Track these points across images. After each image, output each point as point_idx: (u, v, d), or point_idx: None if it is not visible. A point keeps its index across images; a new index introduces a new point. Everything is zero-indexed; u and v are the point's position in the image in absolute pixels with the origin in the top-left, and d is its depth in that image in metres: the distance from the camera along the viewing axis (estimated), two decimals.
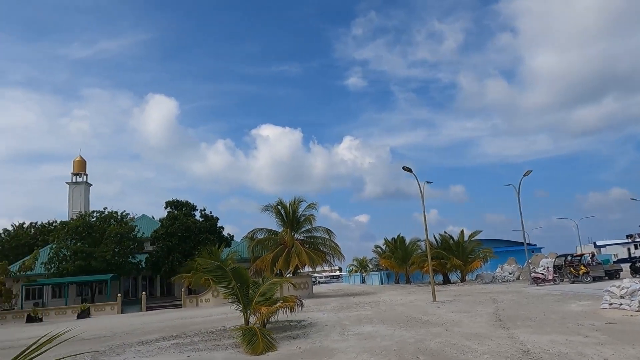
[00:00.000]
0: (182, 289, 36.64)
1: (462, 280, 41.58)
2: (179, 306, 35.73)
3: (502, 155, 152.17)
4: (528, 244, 51.51)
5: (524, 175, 29.70)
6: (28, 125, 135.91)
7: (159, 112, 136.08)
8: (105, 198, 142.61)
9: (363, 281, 72.13)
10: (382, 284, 57.79)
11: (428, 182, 25.26)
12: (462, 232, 42.84)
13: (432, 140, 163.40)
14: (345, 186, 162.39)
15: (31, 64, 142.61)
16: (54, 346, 3.43)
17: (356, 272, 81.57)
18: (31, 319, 30.98)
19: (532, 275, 29.30)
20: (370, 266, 74.50)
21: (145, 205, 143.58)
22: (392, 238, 54.34)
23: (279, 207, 36.84)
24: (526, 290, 25.75)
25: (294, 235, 36.51)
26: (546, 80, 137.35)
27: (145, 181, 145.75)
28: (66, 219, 58.70)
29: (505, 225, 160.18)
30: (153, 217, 55.54)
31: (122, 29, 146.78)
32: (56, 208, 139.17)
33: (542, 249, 54.79)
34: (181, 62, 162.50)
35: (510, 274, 38.32)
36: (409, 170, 22.66)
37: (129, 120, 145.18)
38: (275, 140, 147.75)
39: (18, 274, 36.08)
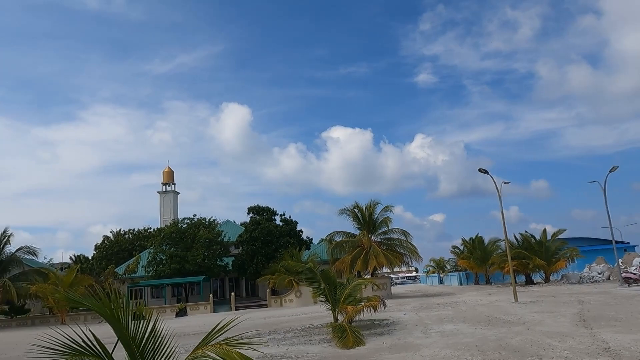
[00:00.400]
0: (267, 290, 38.83)
1: (546, 280, 40.31)
2: (265, 306, 37.90)
3: (589, 147, 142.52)
4: (620, 242, 48.66)
5: (610, 172, 28.57)
6: (117, 139, 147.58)
7: (233, 119, 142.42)
8: (187, 204, 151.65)
9: (441, 282, 71.37)
10: (461, 284, 57.06)
11: (505, 182, 25.22)
12: (544, 230, 41.57)
13: (510, 134, 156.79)
14: (419, 185, 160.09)
15: (118, 82, 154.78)
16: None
17: (433, 272, 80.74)
18: (137, 317, 34.44)
19: (622, 275, 28.10)
20: (448, 267, 73.52)
21: (224, 209, 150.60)
22: (470, 238, 53.63)
23: (356, 210, 37.97)
24: (616, 290, 24.88)
25: (371, 237, 37.46)
26: (636, 63, 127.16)
27: (223, 186, 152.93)
28: (158, 225, 63.87)
29: (595, 222, 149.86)
30: (234, 222, 59.02)
31: (197, 43, 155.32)
32: (145, 214, 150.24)
33: (636, 247, 51.41)
34: (252, 70, 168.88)
35: (599, 274, 36.67)
36: (485, 172, 22.86)
37: (206, 129, 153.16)
38: (345, 142, 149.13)
39: (124, 276, 40.19)
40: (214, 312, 37.02)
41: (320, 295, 15.77)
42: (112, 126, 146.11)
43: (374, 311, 16.13)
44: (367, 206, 38.02)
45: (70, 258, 62.87)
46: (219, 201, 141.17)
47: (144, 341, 4.37)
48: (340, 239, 39.10)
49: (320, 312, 23.08)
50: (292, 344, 13.74)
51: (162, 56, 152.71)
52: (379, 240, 38.11)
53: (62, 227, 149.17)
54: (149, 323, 4.50)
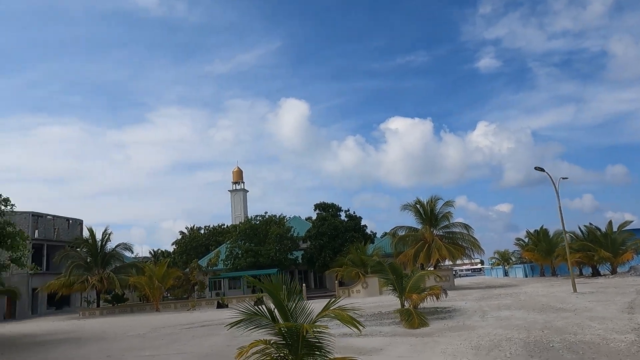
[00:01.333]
0: (335, 281, 41.61)
1: (613, 272, 40.19)
2: (333, 296, 40.69)
3: None
4: None
5: None
6: (183, 138, 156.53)
7: (292, 115, 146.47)
8: (251, 200, 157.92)
9: (506, 274, 71.23)
10: (526, 276, 57.14)
11: (563, 179, 26.23)
12: (609, 222, 41.35)
13: (581, 117, 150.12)
14: (483, 175, 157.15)
15: (182, 84, 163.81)
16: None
17: (498, 265, 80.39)
18: (220, 306, 38.36)
19: None
20: (513, 259, 73.13)
21: (286, 204, 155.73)
22: (535, 230, 53.69)
23: (417, 205, 39.76)
24: None
25: (432, 231, 39.16)
26: None
27: (283, 182, 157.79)
28: (228, 220, 68.69)
29: None
30: (300, 217, 62.50)
31: (255, 42, 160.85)
32: (211, 209, 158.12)
33: None
34: (310, 65, 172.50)
35: None
36: (541, 170, 24.10)
37: (266, 126, 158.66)
38: (404, 133, 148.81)
39: (207, 268, 44.53)
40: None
41: (388, 285, 18.13)
42: (178, 126, 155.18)
43: (437, 299, 18.26)
44: (428, 201, 39.68)
45: (150, 253, 69.11)
46: (281, 196, 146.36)
47: (292, 309, 6.92)
48: (403, 233, 41.04)
49: (387, 302, 25.40)
50: (366, 326, 16.22)
51: (222, 57, 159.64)
52: (441, 234, 39.70)
53: (136, 223, 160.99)
54: (293, 300, 7.00)
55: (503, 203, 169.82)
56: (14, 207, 20.87)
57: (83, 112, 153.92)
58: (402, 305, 17.28)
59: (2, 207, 19.96)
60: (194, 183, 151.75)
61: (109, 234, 41.37)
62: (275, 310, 6.93)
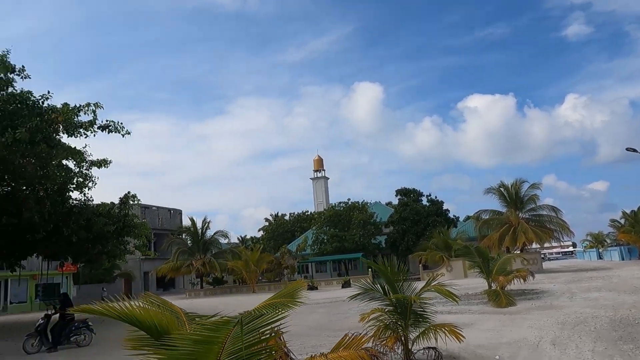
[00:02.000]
0: (419, 265, 42.65)
1: None
2: (418, 279, 41.74)
3: None
4: None
5: None
6: (261, 128, 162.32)
7: (365, 99, 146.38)
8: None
9: (600, 257, 67.77)
10: (622, 259, 54.31)
11: None
12: None
13: None
14: (573, 151, 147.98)
15: (258, 74, 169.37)
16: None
17: (592, 247, 76.47)
18: (310, 288, 40.98)
19: None
20: (608, 241, 69.34)
21: (363, 189, 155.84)
22: (632, 210, 50.91)
23: (501, 189, 39.53)
24: None
25: (518, 214, 38.82)
26: None
27: (359, 167, 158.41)
28: (309, 206, 71.47)
29: None
30: (380, 202, 63.85)
31: (327, 27, 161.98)
32: (290, 196, 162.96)
33: None
34: (382, 47, 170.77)
35: None
36: (634, 150, 23.50)
37: (340, 111, 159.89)
38: (484, 110, 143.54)
39: (297, 253, 47.47)
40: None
41: (474, 268, 19.13)
42: (255, 116, 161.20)
43: (524, 281, 18.96)
44: (512, 184, 39.29)
45: (238, 239, 73.83)
46: (358, 181, 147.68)
47: (400, 285, 8.49)
48: (487, 216, 41.00)
49: (473, 284, 26.15)
50: (455, 305, 17.43)
51: (295, 44, 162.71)
52: (527, 217, 39.21)
53: (220, 211, 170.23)
54: (399, 280, 8.55)
55: (597, 181, 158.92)
56: (139, 201, 24.31)
57: (169, 107, 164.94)
58: (489, 286, 18.23)
59: (131, 202, 23.34)
60: (272, 171, 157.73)
61: (208, 223, 45.47)
62: (386, 286, 8.52)
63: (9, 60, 15.11)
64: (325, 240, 48.57)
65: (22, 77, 16.03)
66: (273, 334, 3.71)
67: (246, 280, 42.94)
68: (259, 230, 73.14)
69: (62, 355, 12.55)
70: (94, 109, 15.29)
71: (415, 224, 46.22)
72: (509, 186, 39.41)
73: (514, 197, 38.90)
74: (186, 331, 3.55)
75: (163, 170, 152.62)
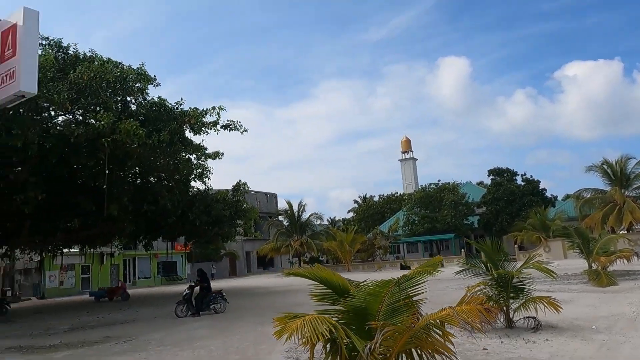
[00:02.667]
0: (515, 246, 42.11)
1: None
2: (514, 260, 41.29)
3: None
4: None
5: None
6: (344, 110, 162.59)
7: (451, 74, 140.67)
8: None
9: None
10: None
11: None
12: None
13: None
14: None
15: (340, 55, 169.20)
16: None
17: None
18: (403, 267, 42.25)
19: None
20: None
21: (450, 167, 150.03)
22: None
23: (605, 166, 37.65)
24: None
25: (624, 192, 36.86)
26: None
27: (446, 144, 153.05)
28: (396, 187, 71.88)
29: None
30: (471, 182, 62.87)
31: (408, 2, 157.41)
32: (375, 177, 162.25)
33: None
34: (470, 18, 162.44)
35: None
36: None
37: (424, 89, 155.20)
38: (585, 78, 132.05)
39: (389, 234, 48.86)
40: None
41: (574, 249, 19.27)
42: (339, 98, 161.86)
43: (628, 262, 18.80)
44: (617, 161, 37.25)
45: (327, 220, 76.48)
46: (445, 159, 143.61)
47: (501, 262, 9.62)
48: (589, 195, 39.34)
49: (572, 265, 25.85)
50: (554, 284, 17.89)
51: (377, 23, 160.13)
52: (634, 195, 37.11)
53: (307, 193, 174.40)
54: (499, 259, 9.68)
55: None
56: (249, 188, 27.05)
57: (255, 94, 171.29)
58: (590, 267, 18.37)
59: (242, 190, 26.12)
60: (357, 152, 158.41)
61: (304, 206, 48.17)
62: (488, 263, 9.66)
63: (145, 71, 17.85)
64: (416, 222, 49.34)
65: (154, 85, 18.82)
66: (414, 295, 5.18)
67: (341, 260, 45.14)
68: (349, 212, 75.40)
69: (204, 319, 15.12)
70: (218, 111, 17.65)
71: (509, 204, 45.44)
72: (614, 163, 37.43)
73: (618, 174, 36.92)
74: (354, 290, 5.16)
75: (252, 155, 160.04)
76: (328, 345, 4.88)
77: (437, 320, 4.91)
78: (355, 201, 74.29)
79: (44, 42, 16.63)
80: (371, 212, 68.36)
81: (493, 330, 8.73)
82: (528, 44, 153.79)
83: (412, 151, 78.82)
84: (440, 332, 4.89)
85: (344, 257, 43.78)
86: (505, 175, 48.50)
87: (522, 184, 47.42)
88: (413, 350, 4.85)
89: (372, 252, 47.54)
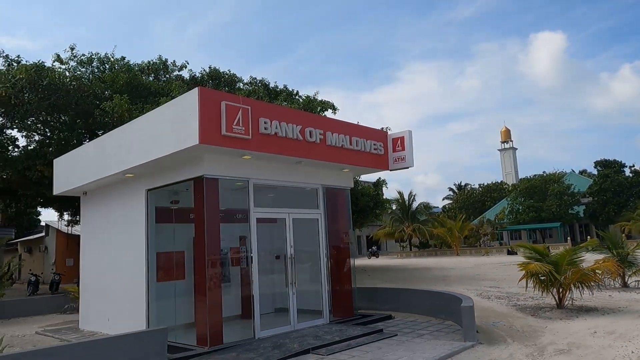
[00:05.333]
0: (623, 235, 44.17)
1: None
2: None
3: None
4: None
5: None
6: (429, 92, 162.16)
7: (545, 50, 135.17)
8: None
9: None
10: None
11: None
12: None
13: None
14: None
15: (426, 36, 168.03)
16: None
17: None
18: (510, 252, 46.05)
19: None
20: None
21: (547, 150, 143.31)
22: None
23: None
24: None
25: None
26: None
27: (542, 126, 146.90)
28: (494, 174, 73.88)
29: None
30: (574, 171, 64.04)
31: None
32: (462, 161, 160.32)
33: None
34: None
35: None
36: None
37: (516, 67, 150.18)
38: None
39: (495, 222, 52.66)
40: None
41: None
42: (424, 81, 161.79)
43: None
44: None
45: (422, 206, 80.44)
46: (539, 142, 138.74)
47: (620, 244, 14.40)
48: None
49: None
50: None
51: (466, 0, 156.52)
52: None
53: (391, 178, 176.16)
54: (618, 242, 14.45)
55: None
56: (386, 185, 32.87)
57: (340, 79, 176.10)
58: None
59: (380, 184, 31.95)
60: (443, 136, 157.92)
61: (414, 195, 53.36)
62: (610, 245, 14.48)
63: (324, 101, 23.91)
64: (521, 210, 52.51)
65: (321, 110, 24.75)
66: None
67: (449, 245, 49.85)
68: (443, 199, 79.17)
69: None
70: (331, 104, 22.55)
71: (617, 195, 47.23)
72: None
73: None
74: (548, 253, 10.62)
75: None
76: (533, 279, 10.42)
77: (590, 269, 10.25)
78: (450, 189, 77.94)
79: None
80: (472, 200, 71.70)
81: (614, 288, 13.67)
82: (636, 11, 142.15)
83: (511, 141, 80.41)
84: (592, 274, 10.22)
85: (453, 242, 48.46)
86: (612, 167, 50.03)
87: (631, 175, 48.76)
88: (579, 282, 10.24)
89: (478, 238, 51.68)
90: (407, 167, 10.30)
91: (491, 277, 21.01)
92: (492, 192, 70.81)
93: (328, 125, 9.35)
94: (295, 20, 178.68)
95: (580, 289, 10.63)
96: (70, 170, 11.12)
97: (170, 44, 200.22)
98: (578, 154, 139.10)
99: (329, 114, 22.74)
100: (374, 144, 10.19)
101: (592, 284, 10.54)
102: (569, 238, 47.25)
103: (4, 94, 18.17)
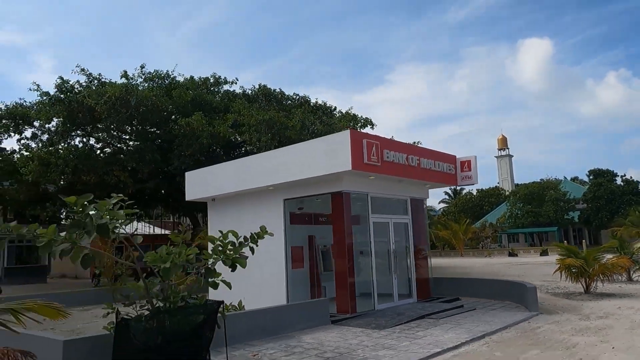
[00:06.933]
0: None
1: None
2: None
3: None
4: None
5: None
6: (420, 94, 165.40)
7: (532, 56, 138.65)
8: (493, 152, 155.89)
9: None
10: None
11: None
12: None
13: None
14: None
15: (418, 39, 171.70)
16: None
17: None
18: (510, 254, 49.52)
19: None
20: None
21: (537, 153, 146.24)
22: None
23: None
24: None
25: None
26: None
27: (532, 130, 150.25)
28: (488, 177, 77.32)
29: None
30: (567, 178, 67.92)
31: None
32: None
33: None
34: None
35: None
36: None
37: (504, 72, 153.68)
38: None
39: (496, 225, 56.15)
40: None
41: None
42: (415, 83, 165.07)
43: None
44: None
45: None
46: (530, 145, 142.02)
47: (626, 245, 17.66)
48: None
49: None
50: None
51: (457, 3, 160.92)
52: None
53: None
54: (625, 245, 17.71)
55: None
56: None
57: (332, 80, 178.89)
58: None
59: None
60: (434, 138, 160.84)
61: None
62: (618, 248, 17.71)
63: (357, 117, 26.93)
64: (520, 215, 56.09)
65: (361, 126, 27.78)
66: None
67: (453, 246, 53.21)
68: (439, 202, 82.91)
69: None
70: (370, 120, 25.59)
71: (609, 202, 50.98)
72: None
73: None
74: (578, 251, 13.79)
75: None
76: (567, 271, 13.60)
77: (610, 264, 13.46)
78: (446, 192, 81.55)
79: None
80: (470, 204, 75.34)
81: (621, 281, 16.92)
82: (624, 20, 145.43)
83: (507, 148, 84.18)
84: (612, 266, 13.42)
85: (457, 244, 51.82)
86: (605, 176, 53.83)
87: (622, 184, 52.57)
88: (601, 274, 13.44)
89: (479, 240, 55.13)
90: (473, 184, 13.42)
91: (510, 274, 24.23)
92: (490, 197, 74.51)
93: (421, 153, 12.44)
94: (290, 21, 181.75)
95: (601, 279, 13.83)
96: (204, 182, 14.07)
97: (162, 41, 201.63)
98: (568, 158, 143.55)
99: (368, 129, 25.82)
100: (448, 166, 13.30)
101: (612, 275, 13.74)
102: (565, 242, 50.80)
103: (96, 109, 21.04)
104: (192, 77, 25.76)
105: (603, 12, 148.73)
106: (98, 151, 24.82)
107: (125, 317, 5.55)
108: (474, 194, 79.35)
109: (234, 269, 5.89)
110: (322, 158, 10.78)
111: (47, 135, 25.07)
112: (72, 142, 24.33)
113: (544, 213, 53.54)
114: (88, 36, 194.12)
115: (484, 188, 79.16)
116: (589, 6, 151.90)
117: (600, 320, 9.74)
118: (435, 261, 44.18)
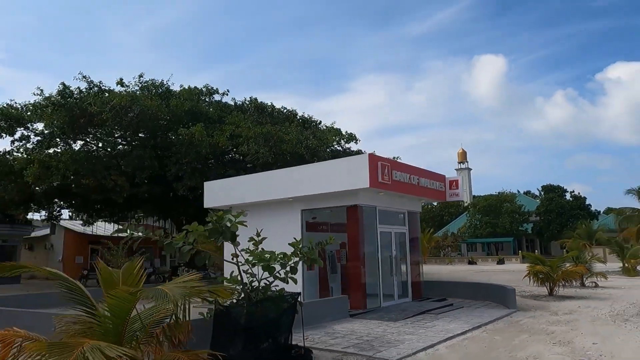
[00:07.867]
0: (563, 250, 52.05)
1: None
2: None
3: None
4: None
5: None
6: (380, 104, 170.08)
7: (487, 72, 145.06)
8: (449, 163, 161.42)
9: None
10: None
11: None
12: None
13: None
14: None
15: (380, 50, 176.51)
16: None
17: None
18: (470, 262, 52.79)
19: None
20: None
21: (489, 167, 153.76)
22: None
23: None
24: None
25: None
26: None
27: (484, 143, 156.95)
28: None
29: None
30: (520, 192, 72.57)
31: None
32: None
33: None
34: (514, 15, 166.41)
35: None
36: None
37: (460, 86, 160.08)
38: (631, 81, 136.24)
39: (459, 235, 59.52)
40: (521, 263, 52.50)
41: (613, 253, 29.61)
42: (375, 92, 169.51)
43: None
44: None
45: None
46: (483, 158, 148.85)
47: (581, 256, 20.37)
48: (629, 213, 48.88)
49: (610, 266, 36.00)
50: None
51: (418, 18, 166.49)
52: None
53: None
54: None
55: None
56: None
57: (293, 87, 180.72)
58: (624, 265, 28.76)
59: None
60: (391, 148, 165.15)
61: None
62: (574, 257, 20.45)
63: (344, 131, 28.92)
64: (479, 226, 59.75)
65: (346, 141, 29.80)
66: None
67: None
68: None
69: None
70: (354, 135, 27.81)
71: (559, 215, 55.31)
72: None
73: None
74: (545, 260, 16.20)
75: None
76: (535, 276, 15.99)
77: (570, 270, 15.95)
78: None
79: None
80: (431, 214, 78.90)
81: (575, 286, 19.57)
82: (572, 43, 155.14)
83: (467, 162, 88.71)
84: (572, 273, 15.91)
85: (422, 252, 54.58)
86: (556, 191, 58.32)
87: (571, 199, 57.14)
88: (562, 279, 15.90)
89: (441, 249, 58.29)
90: (461, 201, 15.59)
91: (477, 279, 26.72)
92: (450, 207, 78.34)
93: (419, 173, 14.50)
94: (252, 25, 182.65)
95: (562, 284, 16.30)
96: (223, 191, 15.61)
97: (120, 38, 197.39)
98: (519, 172, 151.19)
99: (352, 144, 27.86)
100: (439, 184, 15.45)
101: (570, 280, 16.24)
102: (520, 251, 54.66)
103: (102, 116, 22.06)
104: (188, 87, 27.02)
105: (554, 33, 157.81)
106: (94, 153, 25.64)
107: (224, 305, 7.17)
108: (435, 204, 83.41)
109: (310, 267, 7.63)
110: (343, 176, 12.63)
111: (39, 138, 25.70)
112: (71, 146, 25.10)
113: (500, 224, 57.33)
114: (43, 29, 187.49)
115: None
116: (541, 28, 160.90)
117: (567, 316, 12.02)
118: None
